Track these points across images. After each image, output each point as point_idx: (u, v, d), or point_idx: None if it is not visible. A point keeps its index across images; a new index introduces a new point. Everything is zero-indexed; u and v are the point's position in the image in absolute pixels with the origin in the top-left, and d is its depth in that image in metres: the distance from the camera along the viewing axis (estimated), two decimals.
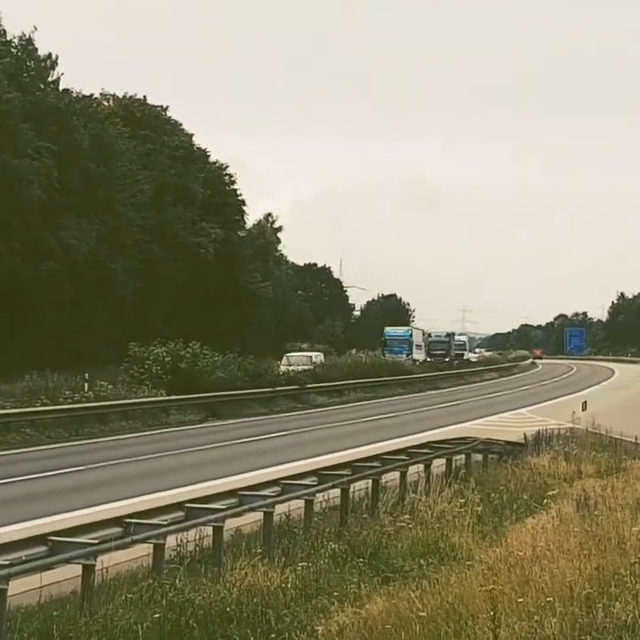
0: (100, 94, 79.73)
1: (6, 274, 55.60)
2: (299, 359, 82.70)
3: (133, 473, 27.13)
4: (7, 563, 12.23)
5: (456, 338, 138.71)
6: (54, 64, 70.46)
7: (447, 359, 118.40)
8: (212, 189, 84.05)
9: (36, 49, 69.23)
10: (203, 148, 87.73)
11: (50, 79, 70.14)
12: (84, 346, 59.18)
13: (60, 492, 23.26)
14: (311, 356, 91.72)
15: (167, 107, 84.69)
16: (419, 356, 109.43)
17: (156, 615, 12.41)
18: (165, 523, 15.33)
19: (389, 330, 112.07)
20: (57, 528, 14.35)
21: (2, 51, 65.03)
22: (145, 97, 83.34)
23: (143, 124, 79.65)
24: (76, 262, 61.54)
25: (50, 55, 70.20)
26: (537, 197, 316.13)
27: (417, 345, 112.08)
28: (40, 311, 58.47)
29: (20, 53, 67.64)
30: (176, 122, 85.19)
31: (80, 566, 13.36)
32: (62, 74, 70.98)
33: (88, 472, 27.70)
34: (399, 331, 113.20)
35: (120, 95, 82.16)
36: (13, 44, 67.48)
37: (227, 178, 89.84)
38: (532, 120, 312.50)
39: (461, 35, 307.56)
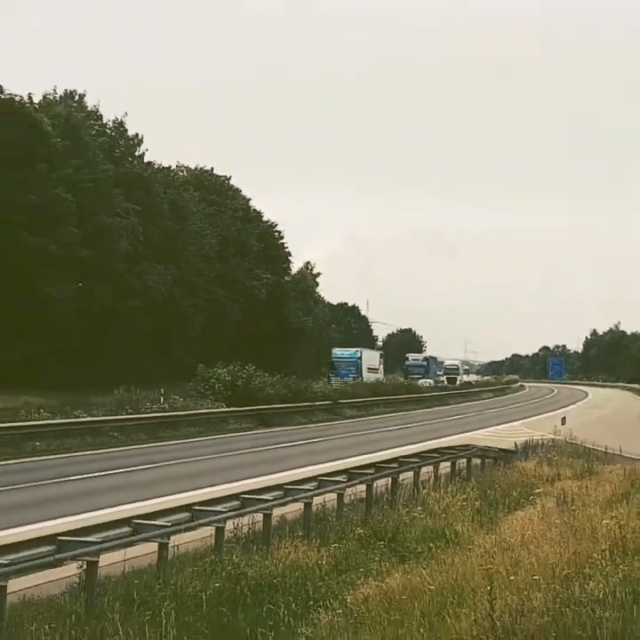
0: (176, 166, 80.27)
1: (99, 309, 56.06)
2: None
3: (199, 469, 27.19)
4: (99, 540, 12.34)
5: (449, 363, 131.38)
6: (140, 142, 71.02)
7: (428, 379, 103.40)
8: (264, 243, 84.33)
9: (126, 130, 69.86)
10: (258, 209, 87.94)
11: (137, 154, 70.73)
12: (161, 367, 59.32)
13: (141, 485, 23.34)
14: None
15: (230, 177, 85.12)
16: (372, 378, 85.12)
17: (217, 584, 12.47)
18: (225, 510, 15.40)
19: (337, 351, 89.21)
20: (139, 512, 14.43)
21: (99, 131, 65.71)
22: (212, 168, 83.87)
23: (210, 190, 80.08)
24: (155, 301, 61.92)
25: (137, 135, 70.77)
26: (528, 247, 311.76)
27: (369, 368, 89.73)
28: (126, 339, 58.77)
29: (113, 133, 68.31)
30: (237, 188, 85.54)
31: (157, 544, 13.46)
32: (147, 150, 71.57)
33: (162, 468, 27.83)
34: (346, 352, 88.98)
35: (192, 167, 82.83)
36: (108, 127, 68.17)
37: (276, 234, 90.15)
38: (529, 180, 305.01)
39: (484, 94, 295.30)
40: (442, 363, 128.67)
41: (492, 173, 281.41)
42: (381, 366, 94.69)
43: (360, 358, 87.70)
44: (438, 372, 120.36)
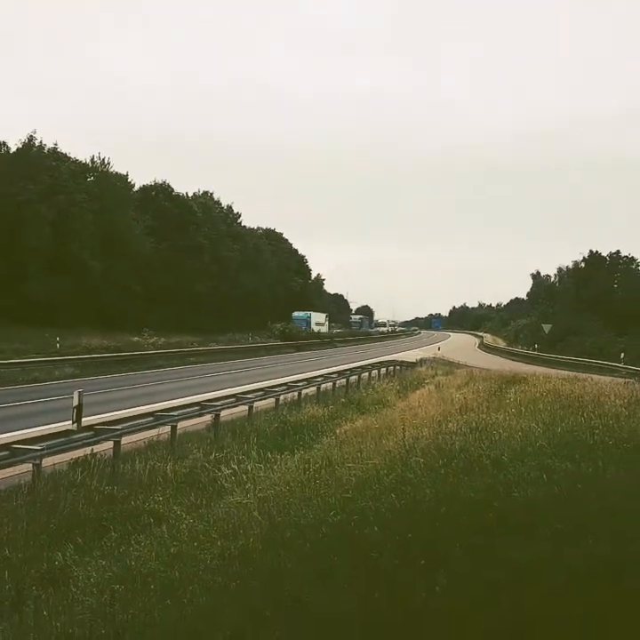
0: (257, 227, 78.73)
1: (221, 295, 56.50)
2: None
3: (266, 371, 26.93)
4: (220, 404, 12.34)
5: (382, 320, 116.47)
6: (239, 215, 70.18)
7: (361, 329, 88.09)
8: (298, 264, 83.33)
9: (233, 210, 69.08)
10: (295, 248, 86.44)
11: (238, 221, 69.94)
12: (249, 323, 58.48)
13: (245, 377, 22.99)
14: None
15: (283, 232, 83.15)
16: (318, 329, 65.34)
17: (275, 425, 12.51)
18: (282, 390, 15.46)
19: (295, 314, 64.45)
20: (243, 390, 14.27)
21: (220, 210, 65.39)
22: (275, 228, 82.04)
23: (273, 239, 78.65)
24: (253, 292, 62.30)
25: (238, 212, 70.02)
26: (424, 270, 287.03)
27: (317, 323, 67.39)
28: (234, 309, 58.64)
29: (226, 211, 67.60)
30: (286, 238, 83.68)
31: (247, 406, 13.50)
32: (243, 220, 70.95)
33: (252, 370, 27.57)
34: (301, 314, 65.26)
35: (264, 227, 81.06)
36: (224, 208, 67.39)
37: (305, 260, 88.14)
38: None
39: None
40: (377, 320, 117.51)
41: (402, 235, 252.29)
42: (327, 322, 74.83)
43: (309, 318, 67.56)
44: (372, 328, 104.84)
